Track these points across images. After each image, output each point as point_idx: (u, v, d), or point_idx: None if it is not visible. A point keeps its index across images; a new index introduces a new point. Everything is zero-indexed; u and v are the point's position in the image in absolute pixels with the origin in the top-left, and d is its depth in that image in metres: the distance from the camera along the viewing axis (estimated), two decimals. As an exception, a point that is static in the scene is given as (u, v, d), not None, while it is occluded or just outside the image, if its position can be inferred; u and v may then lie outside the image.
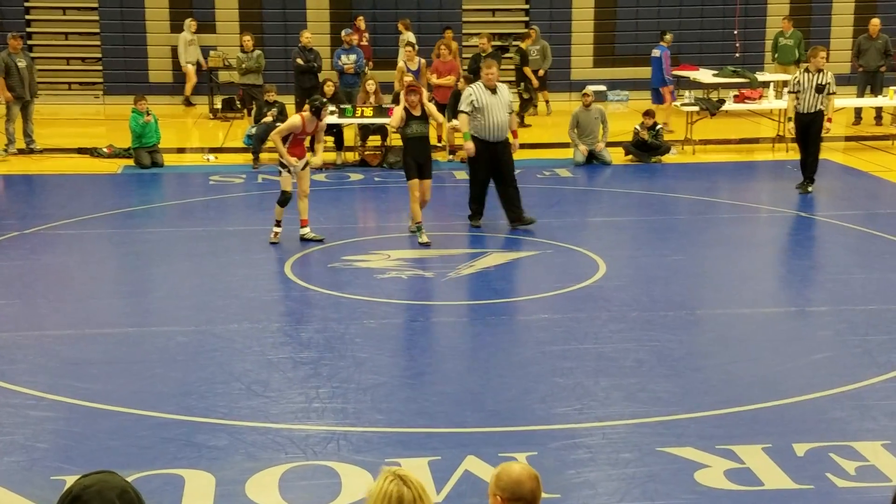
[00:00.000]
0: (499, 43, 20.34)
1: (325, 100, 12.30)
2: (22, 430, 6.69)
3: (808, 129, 13.59)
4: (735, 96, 17.30)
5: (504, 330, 8.80)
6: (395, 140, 16.08)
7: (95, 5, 21.46)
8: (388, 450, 6.41)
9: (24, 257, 10.80)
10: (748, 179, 15.39)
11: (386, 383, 7.51)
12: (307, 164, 11.28)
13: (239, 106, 19.56)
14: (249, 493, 5.91)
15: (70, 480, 5.78)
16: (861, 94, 18.49)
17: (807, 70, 13.69)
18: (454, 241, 11.05)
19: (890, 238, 11.42)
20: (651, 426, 6.75)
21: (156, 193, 14.25)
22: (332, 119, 14.79)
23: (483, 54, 16.97)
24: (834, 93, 13.69)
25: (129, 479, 2.67)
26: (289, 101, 16.77)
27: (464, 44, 21.61)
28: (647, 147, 15.87)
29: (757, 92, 17.45)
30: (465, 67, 18.17)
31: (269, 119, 15.41)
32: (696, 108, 16.99)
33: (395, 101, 15.94)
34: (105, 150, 16.17)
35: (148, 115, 15.35)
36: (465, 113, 11.77)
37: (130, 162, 15.53)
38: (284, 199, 11.10)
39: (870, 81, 18.55)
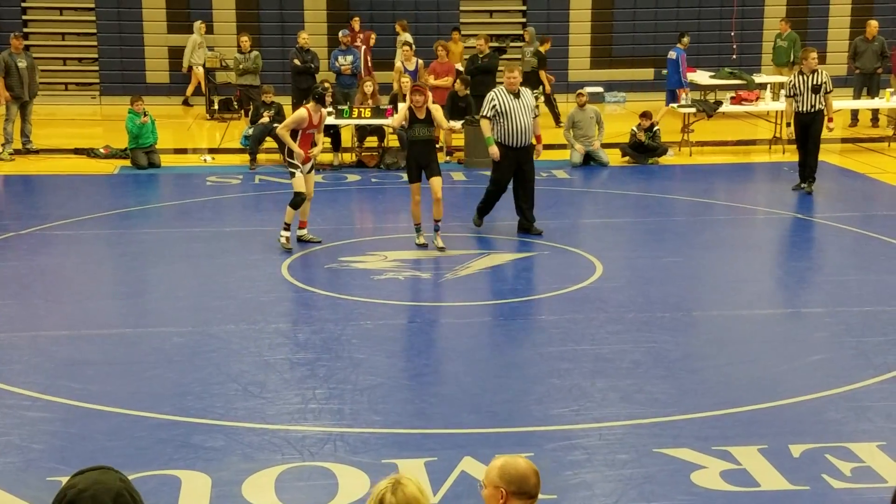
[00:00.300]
0: (496, 44, 20.33)
1: (326, 86, 12.17)
2: (17, 430, 6.68)
3: (809, 129, 13.64)
4: (732, 98, 17.33)
5: (501, 331, 8.80)
6: (393, 141, 16.10)
7: (92, 6, 21.46)
8: (385, 451, 6.41)
9: (21, 258, 10.79)
10: (745, 181, 15.40)
11: (383, 384, 7.51)
12: (313, 166, 11.16)
13: (236, 107, 19.57)
14: (246, 494, 5.90)
15: (65, 482, 5.81)
16: (857, 96, 18.52)
17: (801, 72, 13.73)
18: (451, 243, 11.05)
19: (886, 240, 11.43)
20: (647, 427, 6.75)
21: (152, 194, 14.24)
22: (329, 120, 14.79)
23: (480, 55, 16.97)
24: (831, 91, 13.73)
25: (125, 480, 2.65)
26: (286, 102, 16.76)
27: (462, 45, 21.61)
28: (643, 148, 15.88)
29: (754, 94, 17.48)
30: (462, 69, 18.18)
31: (265, 120, 15.41)
32: (693, 110, 17.02)
33: (393, 102, 15.96)
34: (102, 150, 16.16)
35: (145, 115, 15.34)
36: (487, 118, 11.57)
37: (127, 162, 15.52)
38: (298, 200, 10.89)
39: (867, 83, 18.58)
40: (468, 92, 16.05)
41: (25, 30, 21.00)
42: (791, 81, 13.85)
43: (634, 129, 16.01)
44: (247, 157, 15.53)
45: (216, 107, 19.97)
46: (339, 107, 15.61)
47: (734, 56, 21.52)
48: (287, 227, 10.93)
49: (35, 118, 16.79)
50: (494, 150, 11.53)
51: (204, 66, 20.49)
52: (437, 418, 6.92)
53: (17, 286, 9.90)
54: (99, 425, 6.79)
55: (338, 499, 5.85)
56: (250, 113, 16.56)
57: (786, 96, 14.10)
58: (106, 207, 13.07)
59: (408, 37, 19.12)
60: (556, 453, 6.35)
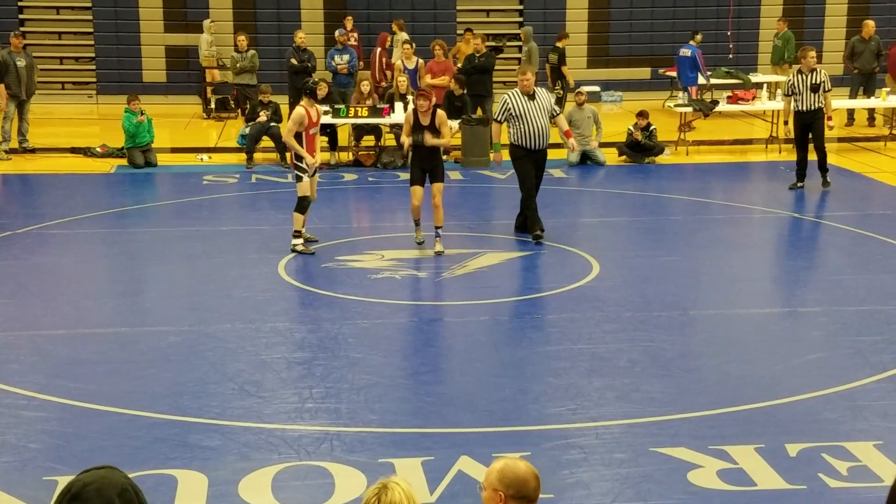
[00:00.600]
0: (493, 43, 20.34)
1: (316, 80, 12.07)
2: (14, 430, 6.68)
3: (810, 128, 13.70)
4: (728, 97, 17.34)
5: (498, 330, 8.80)
6: (389, 140, 16.10)
7: (89, 5, 21.44)
8: (382, 450, 6.41)
9: (17, 257, 10.78)
10: (741, 180, 15.41)
11: (379, 383, 7.50)
12: (316, 170, 11.09)
13: (233, 106, 19.55)
14: (242, 493, 5.90)
15: (62, 480, 5.79)
16: (854, 96, 18.53)
17: (800, 71, 13.76)
18: (448, 242, 11.04)
19: (882, 239, 11.45)
20: (644, 426, 6.75)
21: (149, 193, 14.23)
22: (326, 119, 14.78)
23: (477, 55, 16.96)
24: (830, 90, 13.79)
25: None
26: (283, 102, 16.76)
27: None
28: (640, 148, 15.89)
29: (750, 93, 17.50)
30: (459, 67, 18.17)
31: (262, 119, 15.41)
32: (690, 109, 17.03)
33: (390, 101, 15.96)
34: (98, 149, 16.15)
35: (142, 114, 15.33)
36: (499, 122, 11.31)
37: (124, 161, 15.51)
38: (304, 205, 10.82)
39: (864, 83, 18.59)
40: (464, 91, 16.05)
41: (22, 29, 20.96)
42: (790, 80, 13.88)
43: (631, 128, 16.02)
44: (243, 156, 15.53)
45: (213, 106, 19.95)
46: (336, 106, 15.60)
47: (731, 55, 21.54)
48: (298, 234, 10.85)
49: (32, 117, 16.78)
50: (497, 156, 11.35)
51: (205, 68, 20.46)
52: (434, 417, 6.92)
53: (14, 285, 9.89)
54: (95, 424, 6.78)
55: (334, 498, 5.85)
56: (247, 112, 16.54)
57: (784, 95, 14.13)
58: (102, 206, 13.06)
59: (405, 36, 19.12)
60: (553, 452, 6.35)
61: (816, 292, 9.93)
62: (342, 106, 15.65)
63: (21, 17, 21.36)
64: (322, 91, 11.33)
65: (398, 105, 15.60)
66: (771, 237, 12.36)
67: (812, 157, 13.94)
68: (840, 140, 17.77)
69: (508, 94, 11.36)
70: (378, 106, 15.62)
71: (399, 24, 19.64)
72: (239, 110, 18.87)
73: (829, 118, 13.84)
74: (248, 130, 15.62)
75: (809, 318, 9.14)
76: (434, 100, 11.06)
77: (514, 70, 20.87)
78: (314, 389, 7.37)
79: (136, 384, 7.47)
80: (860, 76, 18.65)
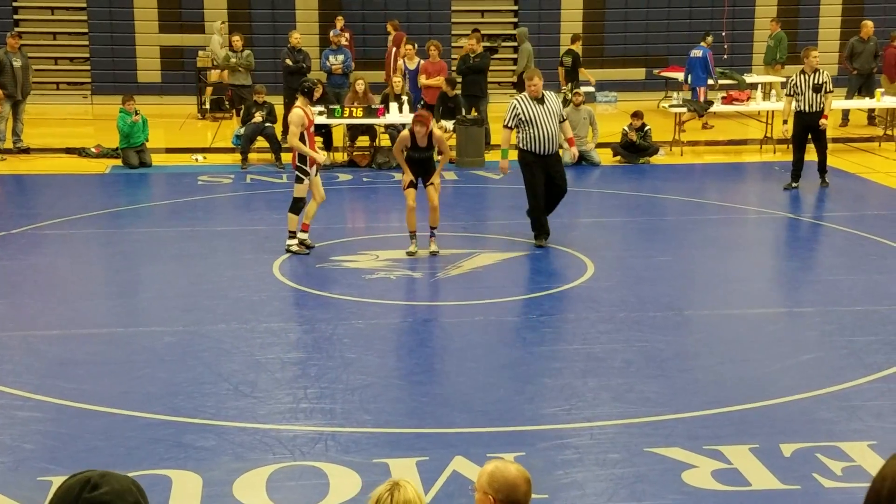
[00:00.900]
0: (488, 44, 20.34)
1: (315, 81, 12.04)
2: (8, 430, 6.67)
3: (811, 128, 13.75)
4: (723, 98, 17.36)
5: (492, 330, 8.79)
6: (385, 141, 16.09)
7: (84, 5, 21.42)
8: (376, 450, 6.41)
9: (12, 257, 10.77)
10: (736, 181, 15.43)
11: (374, 384, 7.50)
12: (318, 171, 11.02)
13: (227, 106, 19.51)
14: (237, 493, 5.90)
15: (56, 481, 5.78)
16: (852, 96, 18.56)
17: (802, 72, 13.80)
18: (443, 242, 11.04)
19: (877, 239, 11.46)
20: (639, 426, 6.76)
21: (144, 193, 14.22)
22: (321, 119, 14.77)
23: (472, 55, 16.97)
24: (831, 91, 13.85)
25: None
26: (278, 102, 16.75)
27: (452, 45, 21.63)
28: (635, 148, 15.90)
29: (745, 93, 17.52)
30: (454, 69, 18.18)
31: (258, 119, 15.40)
32: (685, 110, 17.05)
33: (385, 101, 15.95)
34: (93, 149, 16.13)
35: (136, 114, 15.32)
36: (509, 128, 11.01)
37: (118, 162, 15.50)
38: (299, 207, 10.80)
39: (864, 84, 18.62)
40: (457, 92, 16.07)
41: (17, 29, 20.93)
42: (792, 80, 13.92)
43: (626, 128, 16.03)
44: (238, 156, 15.52)
45: (207, 106, 19.92)
46: (331, 106, 15.59)
47: (725, 56, 21.56)
48: (293, 234, 10.82)
49: (26, 117, 16.76)
50: (504, 164, 11.09)
51: (202, 66, 20.36)
52: (429, 418, 6.92)
53: (8, 286, 9.87)
54: (90, 425, 6.78)
55: (329, 498, 5.84)
56: (242, 113, 16.52)
57: (786, 95, 14.17)
58: (97, 207, 13.05)
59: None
60: (548, 453, 6.36)
61: (811, 293, 9.95)
62: (337, 106, 15.64)
63: (16, 17, 21.33)
64: (317, 93, 11.31)
65: (393, 105, 15.60)
66: (766, 237, 12.37)
67: (809, 157, 13.97)
68: (835, 140, 17.79)
69: (517, 99, 11.10)
70: (373, 106, 15.61)
71: (394, 24, 19.62)
72: (234, 111, 18.84)
73: (825, 116, 13.89)
74: (242, 131, 15.61)
75: (804, 318, 9.15)
76: (432, 124, 10.93)
77: (509, 71, 20.98)
78: (309, 390, 7.37)
79: (131, 384, 7.46)
80: (859, 77, 18.68)
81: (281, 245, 10.94)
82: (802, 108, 13.69)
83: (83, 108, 21.28)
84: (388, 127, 15.77)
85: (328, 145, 15.82)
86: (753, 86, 19.15)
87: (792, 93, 13.83)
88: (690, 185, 14.58)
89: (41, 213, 12.59)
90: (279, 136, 15.96)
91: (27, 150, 16.30)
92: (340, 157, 16.05)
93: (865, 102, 18.06)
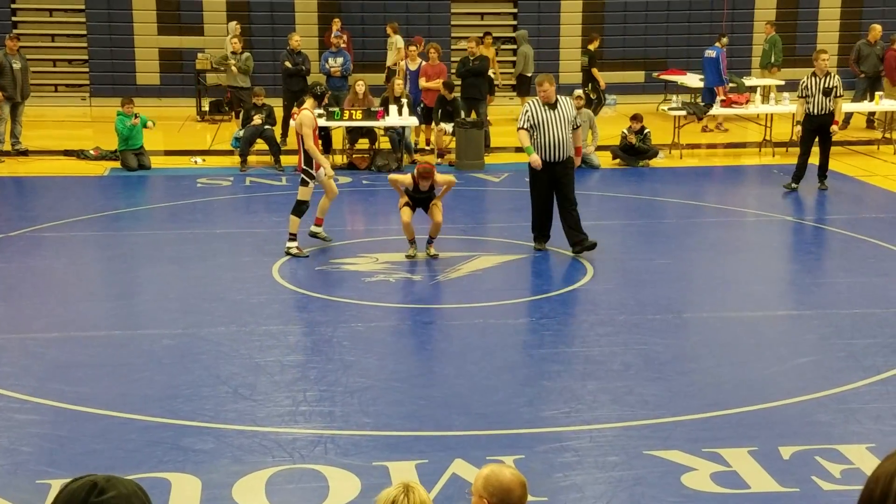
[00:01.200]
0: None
1: (325, 87, 12.03)
2: (6, 433, 6.66)
3: (820, 131, 13.79)
4: (722, 101, 17.37)
5: (492, 333, 8.79)
6: (384, 143, 16.10)
7: (82, 7, 21.41)
8: (376, 453, 6.41)
9: (10, 260, 10.76)
10: (735, 183, 15.44)
11: (373, 386, 7.50)
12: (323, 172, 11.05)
13: (227, 108, 19.50)
14: (236, 496, 5.89)
15: (55, 484, 5.78)
16: (860, 99, 18.57)
17: (814, 74, 13.84)
18: (442, 245, 11.04)
19: (875, 242, 11.47)
20: (638, 429, 6.76)
21: (142, 196, 14.22)
22: (320, 122, 14.76)
23: (471, 57, 16.98)
24: (841, 96, 13.88)
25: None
26: (277, 104, 16.75)
27: (452, 47, 21.64)
28: (634, 151, 15.91)
29: (744, 96, 17.53)
30: (453, 71, 18.19)
31: (257, 122, 15.39)
32: (684, 113, 17.06)
33: (384, 104, 15.95)
34: (91, 152, 16.13)
35: (136, 117, 15.31)
36: (524, 129, 10.95)
37: (117, 164, 15.49)
38: (302, 210, 10.81)
39: (871, 87, 18.62)
40: (456, 95, 16.08)
41: (15, 31, 20.93)
42: (803, 83, 13.97)
43: (625, 131, 16.04)
44: (237, 158, 15.51)
45: (206, 108, 19.91)
46: (330, 109, 15.59)
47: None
48: (293, 237, 10.80)
49: (25, 119, 16.75)
50: (535, 158, 10.88)
51: (200, 68, 20.32)
52: (428, 420, 6.92)
53: (6, 288, 9.87)
54: (88, 428, 6.77)
55: (328, 501, 5.84)
56: (241, 115, 16.52)
57: (797, 97, 14.20)
58: (96, 209, 13.04)
59: (399, 39, 19.12)
60: (547, 455, 6.36)
61: (810, 295, 9.95)
62: (336, 109, 15.64)
63: (14, 19, 21.32)
64: (326, 98, 11.34)
65: (392, 108, 15.60)
66: (764, 240, 12.38)
67: (812, 160, 13.99)
68: (833, 144, 17.79)
69: (529, 102, 11.11)
70: (373, 109, 15.61)
71: (393, 26, 19.63)
72: (232, 113, 18.83)
73: (836, 122, 13.95)
74: (241, 133, 15.61)
75: (802, 321, 9.15)
76: (435, 174, 10.85)
77: (508, 73, 20.97)
78: (308, 392, 7.36)
79: (130, 387, 7.45)
80: (866, 79, 18.71)
81: (280, 248, 10.94)
82: (811, 110, 13.74)
83: (81, 110, 21.28)
84: (387, 130, 15.78)
85: (327, 148, 15.82)
86: (753, 89, 19.16)
87: (803, 95, 13.88)
88: (689, 188, 14.59)
89: (40, 216, 12.59)
90: (278, 139, 15.97)
91: (25, 153, 16.31)
92: (340, 159, 16.05)
93: (865, 105, 18.07)
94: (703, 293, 9.92)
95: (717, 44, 18.76)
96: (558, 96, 10.99)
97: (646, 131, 16.00)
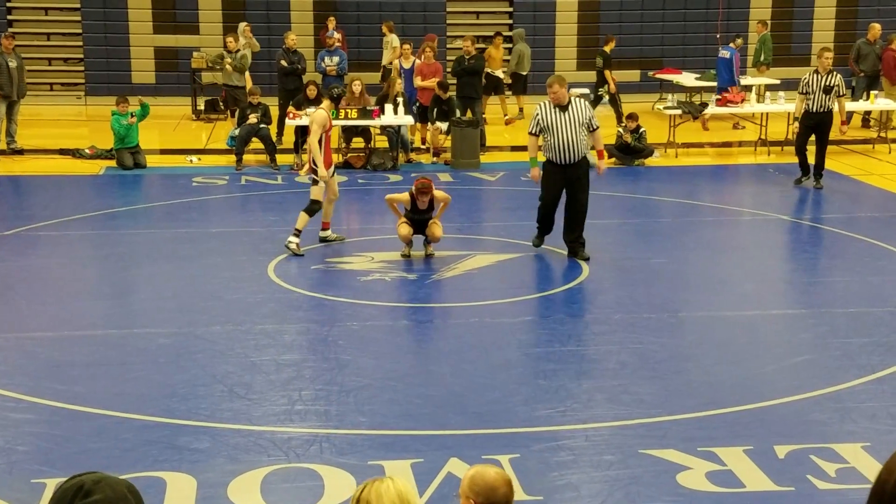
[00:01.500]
0: (484, 45, 20.34)
1: (343, 90, 12.01)
2: (2, 432, 6.65)
3: (817, 128, 13.85)
4: (717, 100, 17.39)
5: (487, 332, 8.79)
6: (381, 142, 16.09)
7: (78, 6, 21.38)
8: (371, 452, 6.41)
9: (5, 259, 10.75)
10: (730, 183, 15.45)
11: (369, 385, 7.50)
12: (334, 171, 11.10)
13: (222, 107, 19.48)
14: (231, 495, 5.89)
15: (51, 483, 5.78)
16: (859, 98, 18.59)
17: (816, 71, 13.88)
18: (438, 244, 11.03)
19: (871, 241, 11.49)
20: (633, 428, 6.77)
21: (138, 195, 14.20)
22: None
23: (467, 57, 16.98)
24: (844, 94, 13.90)
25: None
26: (272, 103, 16.73)
27: (448, 46, 21.64)
28: (630, 150, 15.92)
29: (739, 95, 17.54)
30: (449, 70, 18.19)
31: (253, 121, 15.38)
32: (679, 112, 17.07)
33: (381, 102, 15.94)
34: (87, 151, 16.11)
35: (132, 116, 15.30)
36: (533, 135, 10.73)
37: (112, 163, 15.48)
38: (314, 209, 10.82)
39: (870, 85, 18.64)
40: (451, 94, 16.07)
41: (11, 30, 20.89)
42: (805, 79, 14.01)
43: (620, 130, 16.05)
44: (233, 157, 15.50)
45: (202, 107, 19.89)
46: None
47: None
48: (298, 234, 10.80)
49: (20, 118, 16.73)
50: (534, 173, 10.83)
51: (196, 67, 20.28)
52: (424, 419, 6.92)
53: (1, 287, 9.85)
54: (84, 427, 6.77)
55: (324, 500, 5.84)
56: (237, 114, 16.51)
57: (798, 93, 14.23)
58: (91, 208, 13.03)
59: (394, 38, 19.12)
60: (543, 454, 6.36)
61: (805, 294, 9.96)
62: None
63: (9, 17, 21.29)
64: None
65: (388, 107, 15.59)
66: (760, 239, 12.39)
67: (808, 159, 14.03)
68: (829, 142, 17.83)
69: (540, 105, 10.78)
70: (368, 108, 15.61)
71: (389, 25, 19.63)
72: (228, 112, 18.81)
73: (844, 123, 13.98)
74: (237, 132, 15.59)
75: (798, 320, 9.17)
76: (433, 190, 10.81)
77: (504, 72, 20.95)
78: (304, 392, 7.36)
79: (125, 386, 7.45)
80: (865, 78, 18.74)
81: (276, 247, 10.94)
82: (810, 107, 13.79)
83: (77, 108, 21.25)
84: (383, 128, 15.78)
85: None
86: (748, 88, 19.18)
87: (803, 91, 13.92)
88: (685, 187, 14.60)
89: (35, 215, 12.57)
90: (274, 138, 15.96)
91: (21, 151, 16.28)
92: (336, 158, 16.01)
93: (861, 105, 18.10)
94: (698, 292, 9.93)
95: (731, 44, 18.81)
96: (572, 98, 10.75)
97: (641, 130, 16.01)
